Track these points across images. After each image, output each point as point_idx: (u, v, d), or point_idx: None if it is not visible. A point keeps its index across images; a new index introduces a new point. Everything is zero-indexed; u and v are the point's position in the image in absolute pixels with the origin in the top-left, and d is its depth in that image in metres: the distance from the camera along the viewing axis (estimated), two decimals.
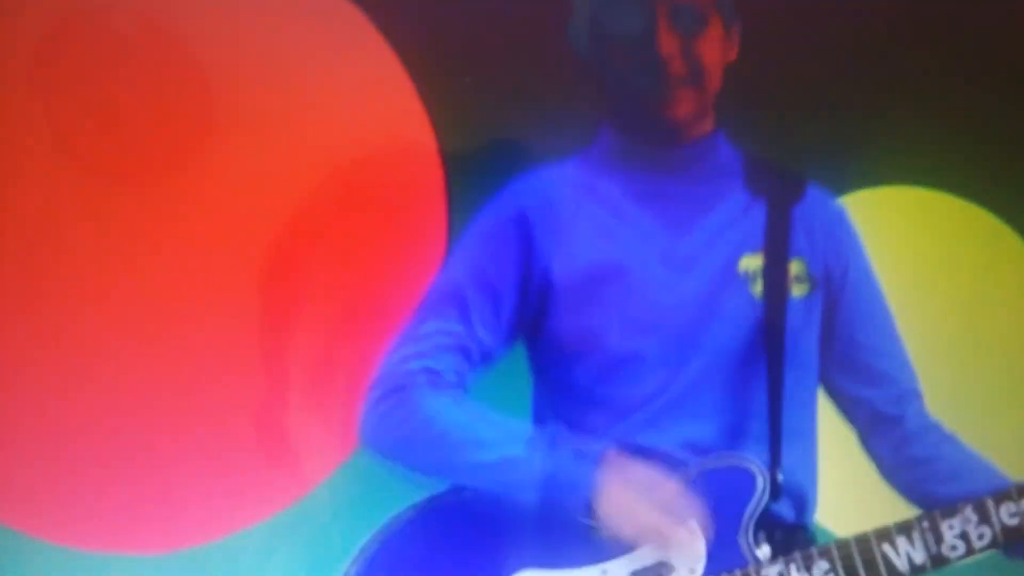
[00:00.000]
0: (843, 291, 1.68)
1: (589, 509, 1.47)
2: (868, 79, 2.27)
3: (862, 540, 1.50)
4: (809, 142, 2.20)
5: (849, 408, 1.70)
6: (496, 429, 1.54)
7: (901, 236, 2.28)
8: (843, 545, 1.50)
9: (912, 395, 1.69)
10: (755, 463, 1.52)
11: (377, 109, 2.07)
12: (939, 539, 1.50)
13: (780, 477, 1.54)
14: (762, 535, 1.51)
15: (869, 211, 2.22)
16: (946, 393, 2.08)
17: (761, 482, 1.51)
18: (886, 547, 1.49)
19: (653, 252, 1.62)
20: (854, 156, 2.25)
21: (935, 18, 2.28)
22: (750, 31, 1.72)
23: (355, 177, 2.07)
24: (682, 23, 1.62)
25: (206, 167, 2.01)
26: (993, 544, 1.50)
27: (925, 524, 1.50)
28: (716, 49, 1.65)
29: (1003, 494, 1.51)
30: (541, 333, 1.64)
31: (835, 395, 1.71)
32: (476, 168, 2.05)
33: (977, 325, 2.28)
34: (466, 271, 1.64)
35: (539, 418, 1.66)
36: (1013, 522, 1.50)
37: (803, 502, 1.60)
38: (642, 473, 1.49)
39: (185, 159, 2.01)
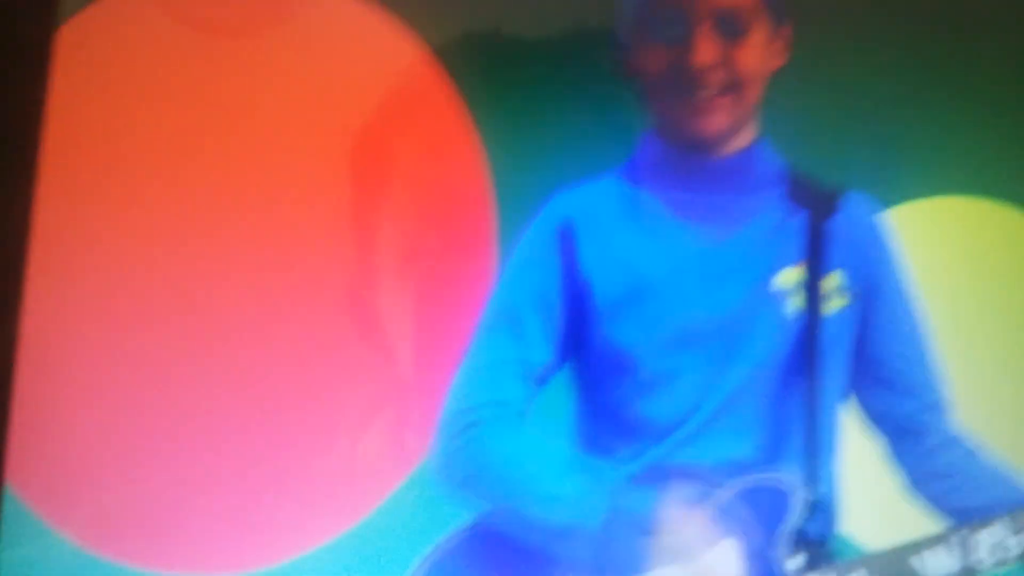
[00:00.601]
0: (878, 302, 1.70)
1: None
2: (918, 84, 2.23)
3: (897, 550, 1.50)
4: (857, 151, 2.18)
5: (878, 418, 1.72)
6: (555, 487, 1.57)
7: (955, 248, 2.24)
8: (879, 556, 1.51)
9: (942, 406, 1.71)
10: (792, 481, 1.54)
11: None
12: (974, 549, 1.50)
13: (815, 494, 1.57)
14: (793, 548, 1.54)
15: (921, 223, 2.19)
16: (991, 402, 2.07)
17: (797, 500, 1.54)
18: (921, 557, 1.50)
19: (691, 267, 1.65)
20: (905, 166, 2.23)
21: (991, 19, 2.24)
22: (795, 35, 1.71)
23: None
24: (724, 29, 1.63)
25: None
26: None
27: (960, 535, 1.50)
28: (759, 57, 1.66)
29: None
30: (582, 350, 1.67)
31: (864, 405, 1.72)
32: (522, 175, 2.06)
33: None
34: (519, 289, 1.67)
35: (579, 438, 1.69)
36: None
37: (830, 515, 1.64)
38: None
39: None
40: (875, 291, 1.70)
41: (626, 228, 1.67)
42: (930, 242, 2.17)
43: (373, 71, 2.08)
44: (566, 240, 1.67)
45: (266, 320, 2.01)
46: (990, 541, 1.52)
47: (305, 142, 2.05)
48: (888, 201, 2.04)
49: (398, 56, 2.06)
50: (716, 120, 1.64)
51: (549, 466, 1.59)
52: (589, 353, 1.66)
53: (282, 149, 2.05)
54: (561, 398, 1.71)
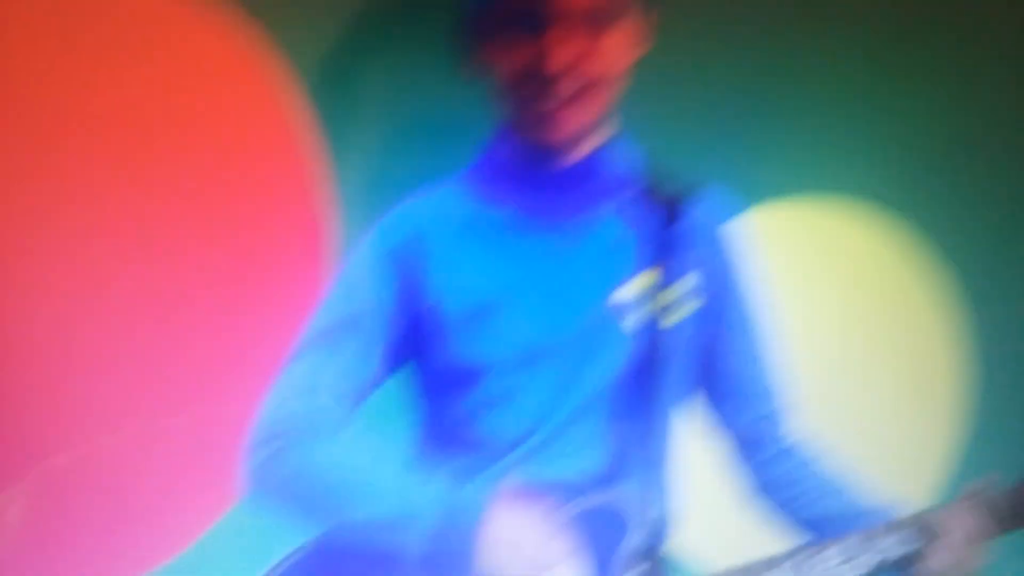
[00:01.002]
0: (722, 310, 1.63)
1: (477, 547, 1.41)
2: (780, 83, 2.19)
3: (748, 570, 1.47)
4: (718, 148, 2.13)
5: (719, 426, 1.67)
6: (383, 481, 1.46)
7: (813, 247, 2.24)
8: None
9: (783, 414, 1.66)
10: (630, 501, 1.48)
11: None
12: (824, 566, 1.48)
13: (655, 511, 1.52)
14: (630, 565, 1.48)
15: (776, 223, 2.18)
16: (841, 400, 2.11)
17: (636, 519, 1.47)
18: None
19: (536, 283, 1.56)
20: (761, 167, 2.19)
21: (854, 19, 2.20)
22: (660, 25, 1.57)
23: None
24: (591, 20, 1.47)
25: None
26: (877, 571, 1.49)
27: (809, 551, 1.48)
28: (623, 49, 1.53)
29: (892, 525, 1.50)
30: (425, 366, 1.59)
31: (707, 412, 1.68)
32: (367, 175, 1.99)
33: (879, 334, 2.25)
34: (346, 303, 1.56)
35: (419, 451, 1.61)
36: (899, 551, 1.49)
37: (665, 529, 1.58)
38: (528, 515, 1.44)
39: None
40: (722, 299, 1.63)
41: (473, 242, 1.57)
42: (788, 242, 2.16)
43: (214, 63, 1.99)
44: (408, 258, 1.56)
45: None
46: (840, 558, 1.49)
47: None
48: (747, 201, 2.00)
49: (239, 46, 1.96)
50: (567, 129, 1.52)
51: (375, 464, 1.47)
52: (435, 368, 1.58)
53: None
54: (392, 412, 1.64)
